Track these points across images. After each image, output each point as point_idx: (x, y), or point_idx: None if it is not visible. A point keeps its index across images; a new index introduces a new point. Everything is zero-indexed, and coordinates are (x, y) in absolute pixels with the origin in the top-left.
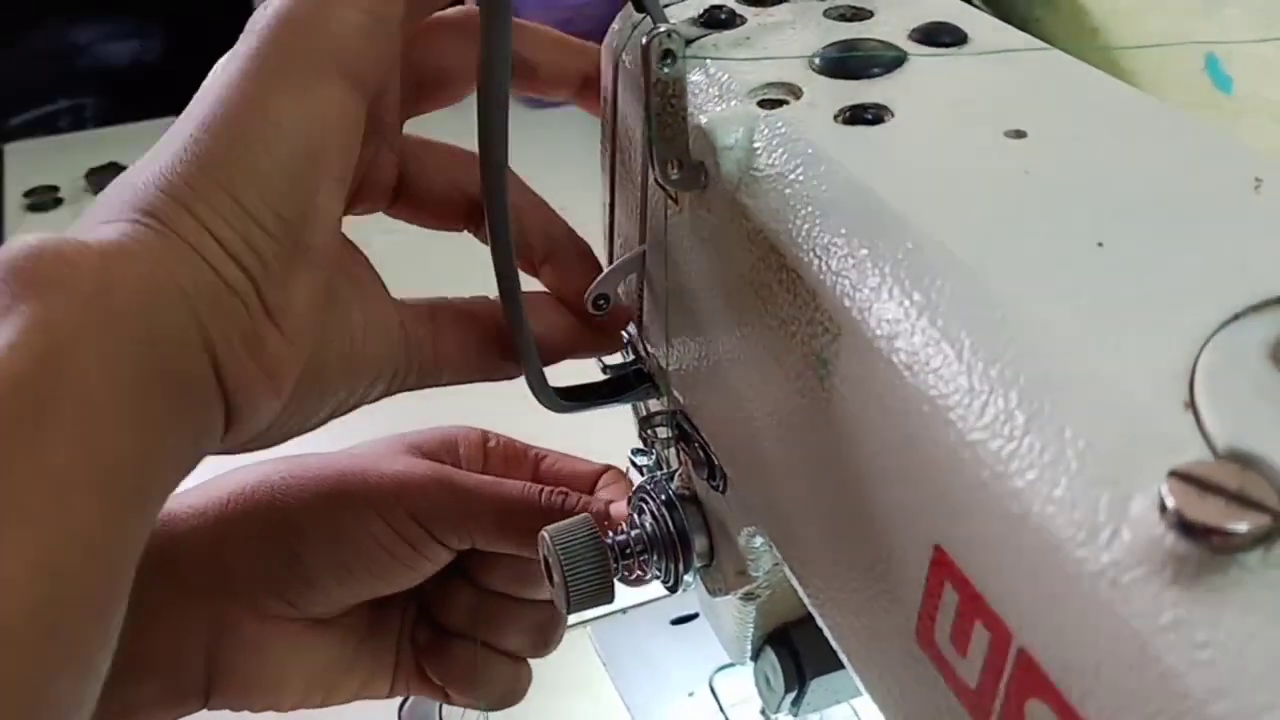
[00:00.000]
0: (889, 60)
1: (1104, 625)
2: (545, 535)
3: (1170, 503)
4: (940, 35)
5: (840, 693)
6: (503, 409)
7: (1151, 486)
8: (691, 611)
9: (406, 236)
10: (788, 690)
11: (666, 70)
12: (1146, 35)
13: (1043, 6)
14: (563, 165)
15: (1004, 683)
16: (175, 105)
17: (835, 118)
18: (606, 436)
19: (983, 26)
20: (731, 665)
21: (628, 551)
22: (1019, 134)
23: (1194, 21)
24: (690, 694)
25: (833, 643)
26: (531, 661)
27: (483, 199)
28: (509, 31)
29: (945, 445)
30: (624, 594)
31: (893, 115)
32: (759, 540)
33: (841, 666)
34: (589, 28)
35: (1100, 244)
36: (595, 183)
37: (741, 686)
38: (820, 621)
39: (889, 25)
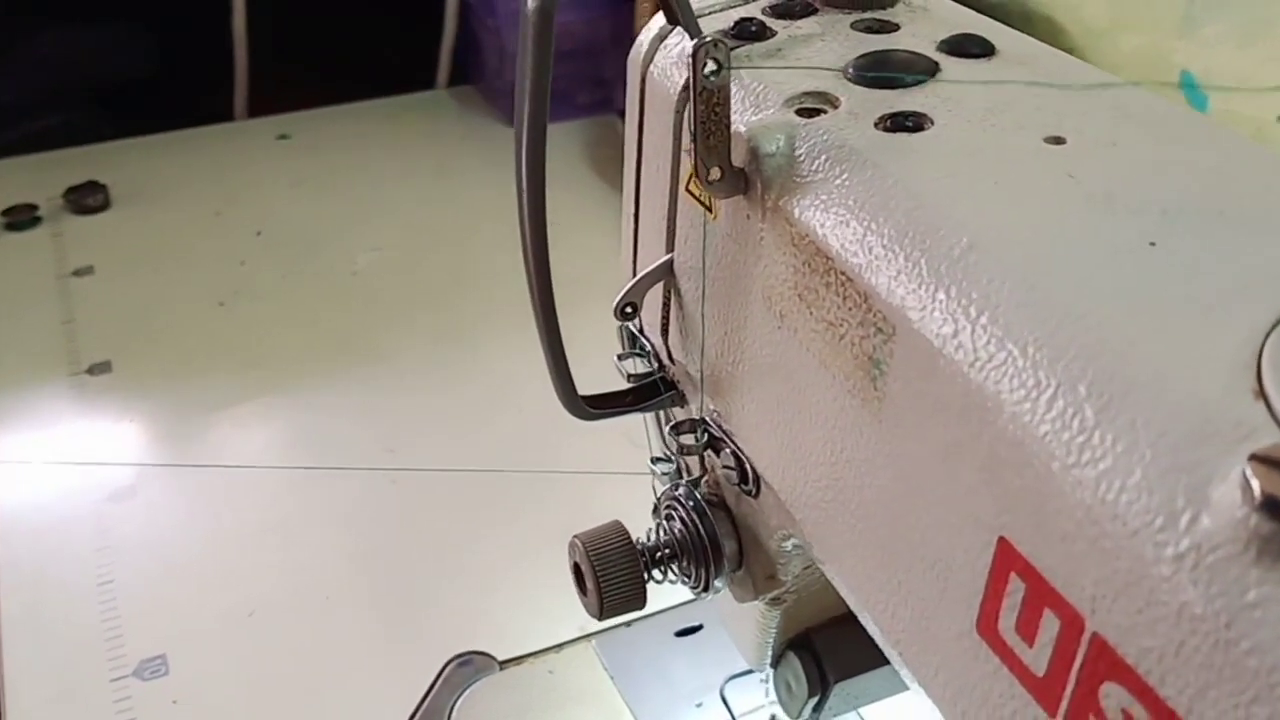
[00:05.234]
0: (923, 70)
1: (1186, 606)
2: (578, 542)
3: (1255, 484)
4: (969, 46)
5: (860, 698)
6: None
7: (1229, 471)
8: (696, 623)
9: (390, 254)
10: (810, 695)
11: (712, 78)
12: (1123, 55)
13: (1019, 27)
14: (548, 183)
15: (1076, 668)
16: (156, 124)
17: (876, 125)
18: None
19: (1007, 38)
20: (739, 675)
21: (658, 557)
22: (1058, 140)
23: (1171, 41)
24: (698, 705)
25: (880, 640)
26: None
27: (520, 219)
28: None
29: (1010, 439)
30: None
31: (932, 123)
32: (790, 544)
33: (863, 670)
34: (571, 47)
35: (1152, 243)
36: (581, 200)
37: (750, 697)
38: (866, 619)
39: (917, 37)
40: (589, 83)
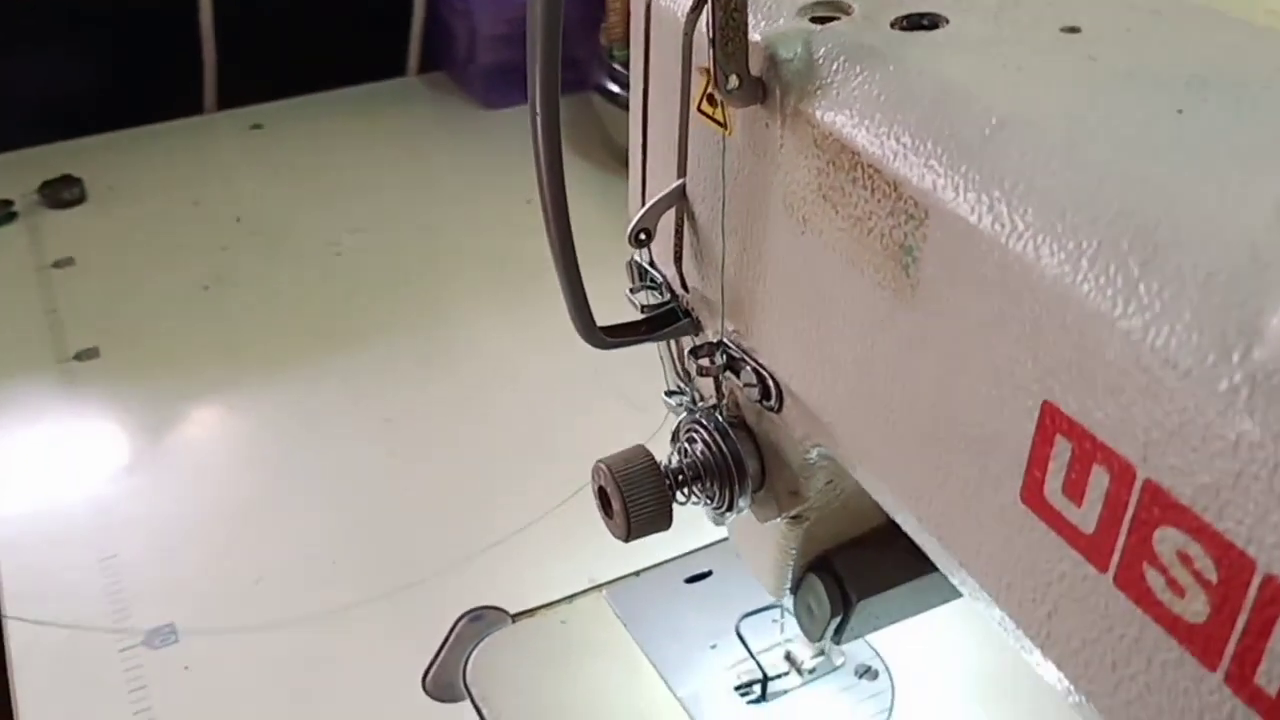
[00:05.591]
0: None
1: (1243, 435)
2: (603, 466)
3: None
4: None
5: (881, 618)
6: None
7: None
8: (705, 570)
9: (373, 235)
10: (833, 615)
11: None
12: None
13: None
14: (524, 162)
15: (1127, 519)
16: (125, 119)
17: (892, 26)
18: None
19: None
20: (752, 614)
21: (681, 478)
22: (1074, 29)
23: None
24: (713, 646)
25: (917, 531)
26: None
27: (535, 154)
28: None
29: (1053, 301)
30: (635, 557)
31: (948, 21)
32: (815, 454)
33: (884, 589)
34: None
35: (1180, 111)
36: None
37: (764, 636)
38: (905, 515)
39: None
40: (562, 63)
